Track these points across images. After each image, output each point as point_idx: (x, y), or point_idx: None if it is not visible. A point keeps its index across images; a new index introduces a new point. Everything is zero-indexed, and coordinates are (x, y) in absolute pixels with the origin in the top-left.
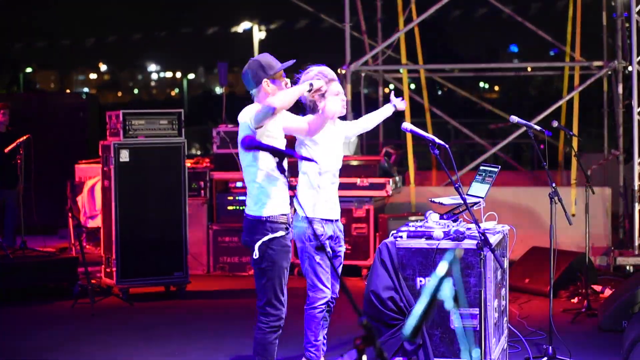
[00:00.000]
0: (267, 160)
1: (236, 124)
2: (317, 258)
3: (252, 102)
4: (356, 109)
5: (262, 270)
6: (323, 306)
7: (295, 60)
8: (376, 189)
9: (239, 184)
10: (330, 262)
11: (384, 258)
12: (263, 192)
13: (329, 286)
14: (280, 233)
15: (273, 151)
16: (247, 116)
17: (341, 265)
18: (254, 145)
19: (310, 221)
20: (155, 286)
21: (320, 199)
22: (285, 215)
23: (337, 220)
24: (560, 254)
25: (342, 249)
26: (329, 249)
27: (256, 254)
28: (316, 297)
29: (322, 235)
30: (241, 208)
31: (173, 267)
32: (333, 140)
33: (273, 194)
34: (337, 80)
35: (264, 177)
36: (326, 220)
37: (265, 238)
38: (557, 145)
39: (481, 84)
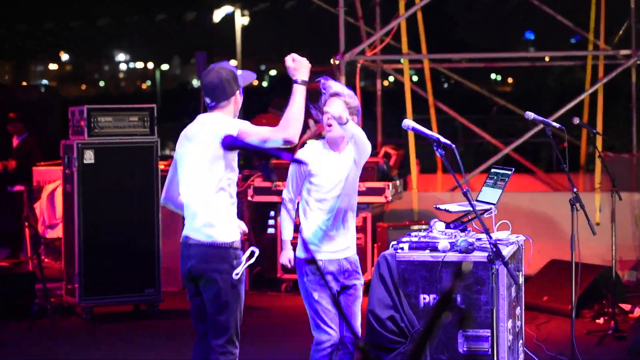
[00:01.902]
0: (234, 170)
1: None
2: (316, 295)
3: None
4: None
5: (223, 305)
6: (329, 349)
7: (256, 76)
8: (374, 195)
9: None
10: (336, 300)
11: (382, 273)
12: (228, 210)
13: (334, 326)
14: (253, 249)
15: (259, 152)
16: (233, 128)
17: (358, 301)
18: (237, 144)
19: (309, 256)
20: (124, 305)
21: (319, 234)
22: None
23: (344, 258)
24: (583, 268)
25: (359, 282)
26: (333, 284)
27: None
28: (320, 339)
29: (321, 269)
30: None
31: (144, 283)
32: (335, 168)
33: (233, 213)
34: (338, 96)
35: (230, 192)
36: (323, 257)
37: (238, 270)
38: (579, 144)
39: (493, 76)
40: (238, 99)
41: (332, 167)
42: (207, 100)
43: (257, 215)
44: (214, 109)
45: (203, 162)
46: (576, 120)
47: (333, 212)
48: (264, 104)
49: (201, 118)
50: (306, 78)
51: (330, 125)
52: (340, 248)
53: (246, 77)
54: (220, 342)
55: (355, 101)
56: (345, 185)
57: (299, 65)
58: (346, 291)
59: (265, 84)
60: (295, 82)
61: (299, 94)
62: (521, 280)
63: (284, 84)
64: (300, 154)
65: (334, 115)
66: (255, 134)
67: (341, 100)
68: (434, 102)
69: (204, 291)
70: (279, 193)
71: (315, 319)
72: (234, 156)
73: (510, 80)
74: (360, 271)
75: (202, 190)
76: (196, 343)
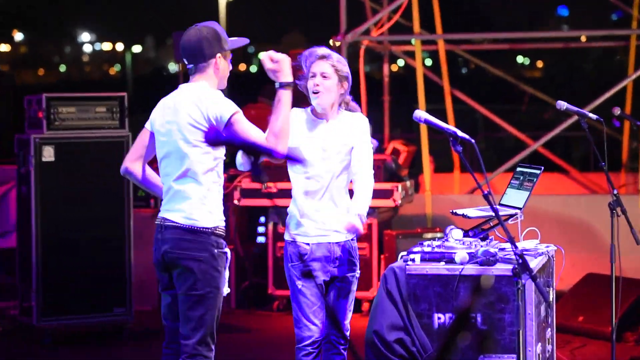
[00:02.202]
0: (222, 154)
1: None
2: (299, 284)
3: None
4: (354, 93)
5: (200, 298)
6: (309, 348)
7: (249, 41)
8: (381, 198)
9: None
10: (321, 291)
11: (390, 288)
12: (211, 194)
13: (317, 321)
14: (227, 251)
15: (247, 147)
16: (225, 112)
17: (350, 296)
18: (221, 140)
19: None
20: (89, 326)
21: (304, 211)
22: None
23: (335, 242)
24: (625, 283)
25: (352, 273)
26: (319, 274)
27: (196, 278)
28: (300, 334)
29: (306, 255)
30: None
31: (112, 301)
32: (321, 140)
33: (219, 199)
34: (326, 59)
35: (218, 171)
36: (311, 240)
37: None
38: (620, 139)
39: (519, 59)
40: (220, 63)
41: (317, 138)
42: (186, 63)
43: (244, 221)
44: (194, 75)
45: (189, 139)
46: (617, 111)
47: (321, 189)
48: (253, 92)
49: (184, 88)
50: (290, 79)
51: (317, 92)
52: (328, 230)
53: (236, 41)
54: (192, 343)
55: (346, 67)
56: (333, 158)
57: (279, 66)
58: (336, 282)
59: (254, 68)
60: (280, 86)
61: (285, 101)
62: (552, 297)
63: None
64: None
65: (324, 72)
66: (246, 131)
67: (329, 64)
68: (450, 90)
69: (177, 282)
70: (270, 196)
71: (296, 311)
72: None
73: (539, 64)
74: (356, 261)
75: (188, 171)
76: (165, 345)
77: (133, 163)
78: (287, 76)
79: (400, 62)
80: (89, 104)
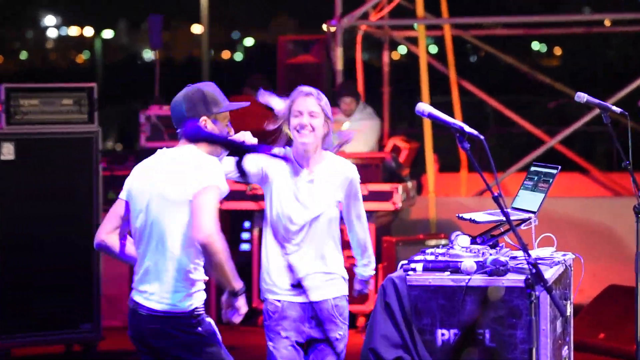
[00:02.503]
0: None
1: None
2: (270, 345)
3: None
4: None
5: None
6: None
7: (249, 104)
8: (379, 200)
9: None
10: (297, 353)
11: (389, 301)
12: (193, 269)
13: None
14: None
15: (231, 145)
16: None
17: (335, 358)
18: (202, 135)
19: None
20: (52, 344)
21: (270, 264)
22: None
23: (311, 302)
24: None
25: (336, 334)
26: (291, 334)
27: None
28: None
29: (276, 313)
30: None
31: (79, 316)
32: (305, 196)
33: (200, 271)
34: (310, 96)
35: (197, 246)
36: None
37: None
38: None
39: (535, 46)
40: (207, 127)
41: (299, 193)
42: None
43: (227, 227)
44: (181, 139)
45: (172, 209)
46: None
47: (296, 244)
48: (238, 83)
49: (168, 154)
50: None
51: (303, 131)
52: (306, 288)
53: (231, 105)
54: None
55: (328, 104)
56: (315, 219)
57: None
58: (316, 346)
59: (238, 56)
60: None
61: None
62: (569, 311)
63: (263, 56)
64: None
65: (312, 110)
66: (207, 203)
67: (316, 102)
68: (457, 81)
69: None
70: (255, 198)
71: None
72: None
73: (558, 51)
74: (343, 319)
75: (168, 246)
76: None
77: (108, 239)
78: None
79: (402, 50)
80: (54, 95)
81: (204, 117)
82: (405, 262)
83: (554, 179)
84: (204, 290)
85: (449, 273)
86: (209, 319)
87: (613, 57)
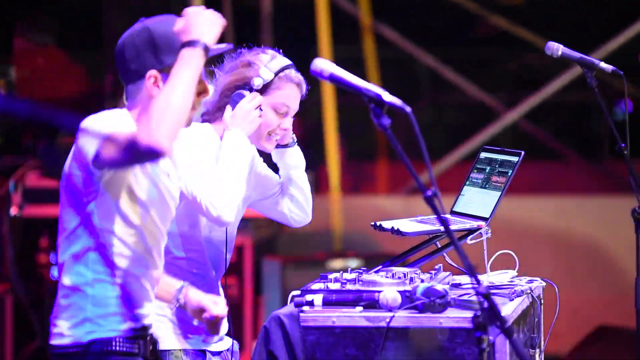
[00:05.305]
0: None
1: None
2: None
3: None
4: None
5: None
6: None
7: (232, 45)
8: None
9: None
10: None
11: (273, 349)
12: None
13: None
14: None
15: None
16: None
17: None
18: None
19: None
20: None
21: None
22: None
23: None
24: None
25: None
26: None
27: None
28: None
29: None
30: None
31: None
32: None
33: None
34: (301, 90)
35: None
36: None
37: None
38: None
39: None
40: (152, 86)
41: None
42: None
43: (27, 241)
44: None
45: None
46: None
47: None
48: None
49: None
50: (211, 40)
51: (284, 130)
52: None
53: (215, 50)
54: None
55: None
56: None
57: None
58: None
59: None
60: (182, 45)
61: (183, 65)
62: None
63: None
64: None
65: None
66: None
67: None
68: (372, 26)
69: None
70: None
71: None
72: None
73: None
74: None
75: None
76: None
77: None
78: (196, 34)
79: None
80: None
81: (153, 73)
82: (298, 292)
83: (515, 170)
84: None
85: (361, 309)
86: None
87: None
